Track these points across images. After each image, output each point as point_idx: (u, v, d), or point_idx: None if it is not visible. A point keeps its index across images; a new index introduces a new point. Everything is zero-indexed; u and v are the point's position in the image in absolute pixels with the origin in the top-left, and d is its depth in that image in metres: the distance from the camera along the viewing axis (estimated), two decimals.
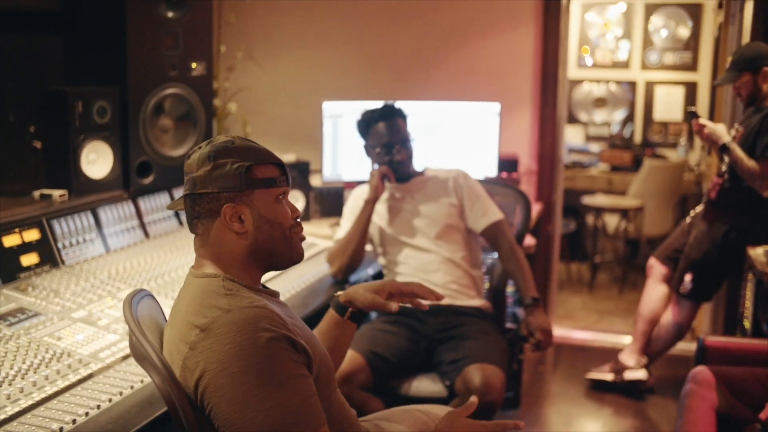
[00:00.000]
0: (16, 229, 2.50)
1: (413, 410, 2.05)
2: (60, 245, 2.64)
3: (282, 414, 1.40)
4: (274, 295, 1.66)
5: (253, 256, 1.60)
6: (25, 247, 2.51)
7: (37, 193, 2.78)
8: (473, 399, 1.67)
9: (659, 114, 7.07)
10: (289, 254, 1.65)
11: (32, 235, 2.55)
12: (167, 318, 1.65)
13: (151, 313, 1.67)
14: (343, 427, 1.59)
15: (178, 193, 3.21)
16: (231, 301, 1.49)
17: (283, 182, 1.62)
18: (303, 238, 1.68)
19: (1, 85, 2.89)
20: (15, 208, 2.59)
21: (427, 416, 2.00)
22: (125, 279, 2.61)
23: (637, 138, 7.13)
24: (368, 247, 3.06)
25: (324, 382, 1.56)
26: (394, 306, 1.81)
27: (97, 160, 2.92)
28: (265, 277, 2.62)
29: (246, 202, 1.57)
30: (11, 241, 2.47)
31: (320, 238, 3.49)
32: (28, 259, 2.50)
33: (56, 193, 2.76)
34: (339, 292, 1.91)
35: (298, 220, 1.67)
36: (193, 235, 1.65)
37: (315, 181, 3.92)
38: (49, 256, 2.58)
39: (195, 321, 1.47)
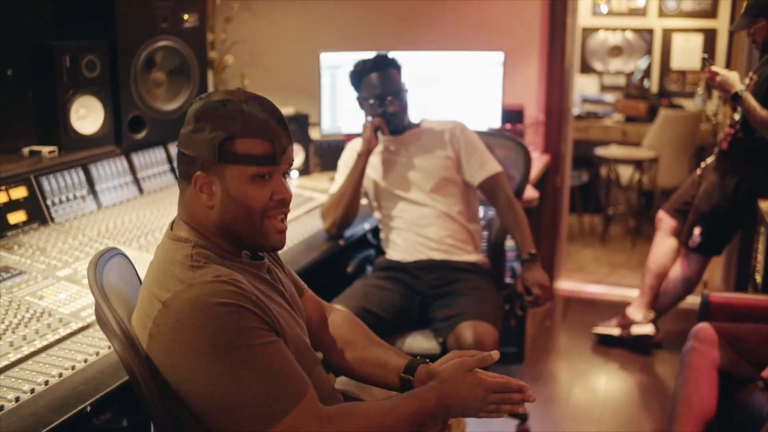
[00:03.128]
0: (3, 187, 2.47)
1: None
2: (49, 202, 2.60)
3: (263, 387, 1.35)
4: (256, 265, 1.56)
5: (221, 231, 1.50)
6: (12, 205, 2.48)
7: (26, 150, 2.73)
8: (493, 354, 1.56)
9: (677, 62, 6.88)
10: (257, 241, 1.52)
11: (19, 192, 2.52)
12: (141, 278, 1.59)
13: (121, 273, 1.62)
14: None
15: (174, 147, 3.16)
16: (195, 275, 1.41)
17: (267, 161, 1.45)
18: (281, 228, 1.53)
19: None
20: (1, 166, 2.56)
21: None
22: (115, 236, 2.58)
23: (654, 87, 6.96)
24: (364, 201, 3.00)
25: (297, 359, 1.49)
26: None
27: (87, 116, 2.87)
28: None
29: (218, 174, 1.45)
30: None
31: (319, 192, 3.43)
32: (16, 217, 2.47)
33: (45, 150, 2.71)
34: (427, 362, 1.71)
35: (285, 204, 1.52)
36: None
37: (314, 133, 3.85)
38: (38, 213, 2.55)
39: (158, 294, 1.41)
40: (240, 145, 1.44)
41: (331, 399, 1.63)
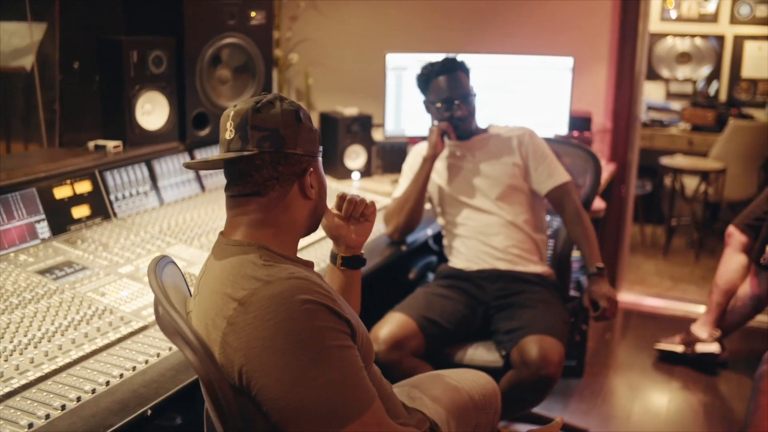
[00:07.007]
0: (68, 181, 2.48)
1: (442, 375, 1.98)
2: (113, 197, 2.61)
3: (335, 390, 1.32)
4: (308, 265, 1.56)
5: (308, 222, 1.57)
6: (77, 199, 2.49)
7: (91, 144, 2.74)
8: (558, 420, 1.62)
9: (748, 71, 6.66)
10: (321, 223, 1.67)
11: (84, 186, 2.53)
12: (189, 286, 1.56)
13: (175, 281, 1.58)
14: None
15: None
16: (270, 272, 1.39)
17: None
18: None
19: (67, 33, 2.86)
20: (67, 159, 2.57)
21: (456, 381, 1.93)
22: (177, 234, 2.56)
23: (722, 96, 6.75)
24: (428, 206, 2.94)
25: (365, 357, 1.47)
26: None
27: (152, 111, 2.87)
28: (314, 237, 2.53)
29: (314, 166, 1.54)
30: (63, 192, 2.45)
31: (381, 195, 3.38)
32: (80, 211, 2.48)
33: (110, 145, 2.72)
34: None
35: None
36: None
37: (377, 135, 3.81)
38: (101, 208, 2.56)
39: (232, 293, 1.38)
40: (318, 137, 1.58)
41: (390, 401, 1.64)
